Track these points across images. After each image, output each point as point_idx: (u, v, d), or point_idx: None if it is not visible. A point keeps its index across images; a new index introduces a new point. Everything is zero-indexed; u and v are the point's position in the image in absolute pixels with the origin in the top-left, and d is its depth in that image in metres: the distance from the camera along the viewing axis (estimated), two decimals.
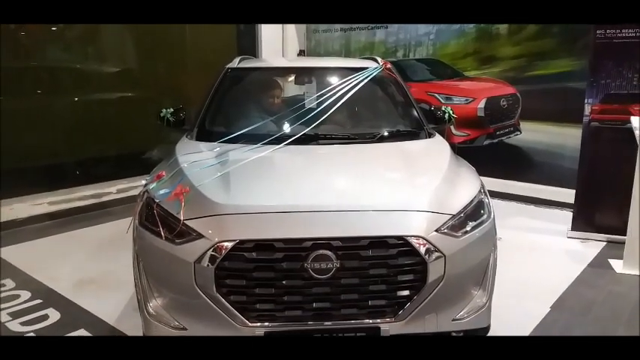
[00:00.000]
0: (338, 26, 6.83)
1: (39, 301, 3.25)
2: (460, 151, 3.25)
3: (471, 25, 5.72)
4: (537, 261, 3.95)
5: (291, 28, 7.01)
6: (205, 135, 3.07)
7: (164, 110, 3.39)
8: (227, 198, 2.24)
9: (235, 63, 3.62)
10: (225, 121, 3.25)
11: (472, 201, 2.42)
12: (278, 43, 6.95)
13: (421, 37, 6.11)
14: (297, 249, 2.06)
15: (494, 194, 5.18)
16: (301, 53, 7.13)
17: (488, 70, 5.83)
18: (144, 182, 2.63)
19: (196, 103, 3.65)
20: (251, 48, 6.64)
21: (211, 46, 6.08)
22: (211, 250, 2.08)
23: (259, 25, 6.49)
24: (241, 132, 2.89)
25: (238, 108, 3.38)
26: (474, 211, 2.39)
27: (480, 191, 2.54)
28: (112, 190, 5.40)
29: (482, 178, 2.78)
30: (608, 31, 4.06)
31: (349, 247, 2.08)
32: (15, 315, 3.07)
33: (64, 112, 5.31)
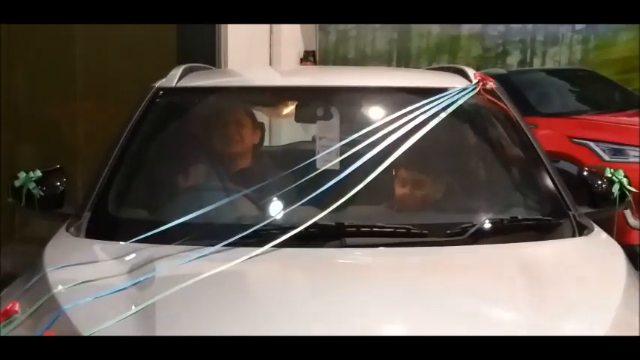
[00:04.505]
0: None
1: None
2: None
3: None
4: None
5: None
6: (107, 226, 2.96)
7: (23, 175, 3.13)
8: None
9: (174, 79, 3.45)
10: (148, 198, 3.22)
11: None
12: (262, 40, 6.90)
13: (558, 28, 5.79)
14: None
15: None
16: (308, 58, 7.06)
17: None
18: None
19: (92, 161, 3.73)
20: (206, 49, 6.41)
21: (126, 46, 5.93)
22: None
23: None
24: (182, 220, 2.73)
25: (177, 170, 3.29)
26: None
27: None
28: None
29: None
30: None
31: None
32: None
33: None
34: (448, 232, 2.80)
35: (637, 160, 5.41)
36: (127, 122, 3.27)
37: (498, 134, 3.38)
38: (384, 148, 2.93)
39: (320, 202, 2.76)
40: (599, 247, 2.92)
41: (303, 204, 2.78)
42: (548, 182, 3.12)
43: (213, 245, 2.60)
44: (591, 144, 5.57)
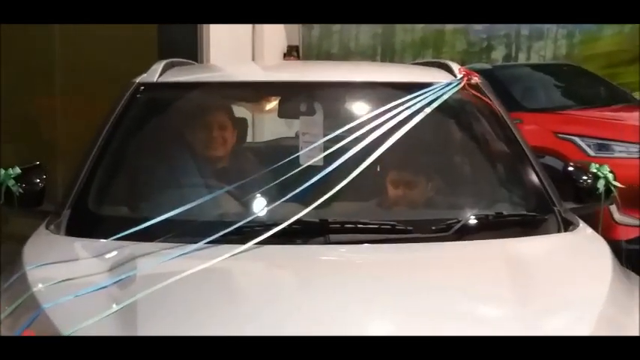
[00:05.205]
0: None
1: None
2: (633, 257, 3.25)
3: None
4: None
5: None
6: (87, 224, 2.96)
7: (2, 172, 3.14)
8: None
9: (155, 74, 3.45)
10: (130, 195, 3.21)
11: None
12: (245, 35, 6.97)
13: (543, 24, 5.89)
14: None
15: None
16: (291, 53, 7.17)
17: None
18: None
19: (72, 157, 3.67)
20: (188, 44, 6.47)
21: (107, 42, 5.86)
22: None
23: None
24: (164, 217, 2.73)
25: (158, 167, 3.29)
26: None
27: None
28: None
29: None
30: None
31: None
32: None
33: None
34: (433, 228, 2.81)
35: (622, 155, 5.40)
36: (107, 118, 3.25)
37: (483, 130, 3.38)
38: (368, 143, 2.91)
39: (304, 199, 2.74)
40: (584, 243, 2.92)
41: (286, 200, 2.77)
42: (534, 178, 3.11)
43: (195, 242, 2.58)
44: (576, 139, 5.58)
